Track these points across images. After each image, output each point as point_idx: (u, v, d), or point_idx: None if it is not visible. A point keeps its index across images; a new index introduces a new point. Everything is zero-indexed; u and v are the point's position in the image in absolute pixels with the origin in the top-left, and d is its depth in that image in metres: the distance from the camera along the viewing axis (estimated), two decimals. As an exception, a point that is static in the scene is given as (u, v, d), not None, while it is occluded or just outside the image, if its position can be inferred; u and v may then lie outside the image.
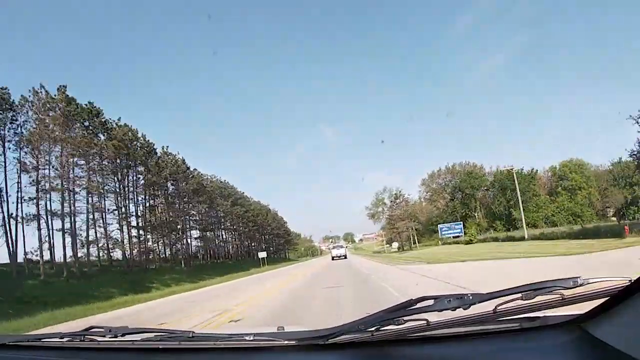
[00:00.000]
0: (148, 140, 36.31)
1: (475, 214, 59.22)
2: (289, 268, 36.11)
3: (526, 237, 32.90)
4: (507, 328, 1.12)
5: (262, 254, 42.88)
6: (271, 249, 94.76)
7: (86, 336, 1.52)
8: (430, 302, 1.13)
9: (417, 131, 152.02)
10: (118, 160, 32.65)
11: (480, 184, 58.47)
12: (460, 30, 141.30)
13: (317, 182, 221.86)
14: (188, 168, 42.17)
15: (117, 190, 32.02)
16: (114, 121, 33.89)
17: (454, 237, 53.96)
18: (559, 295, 1.05)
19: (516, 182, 38.59)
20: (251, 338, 1.31)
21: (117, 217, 32.74)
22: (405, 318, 1.14)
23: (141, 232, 35.74)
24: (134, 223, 35.37)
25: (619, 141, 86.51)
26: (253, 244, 75.43)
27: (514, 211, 55.85)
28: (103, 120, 32.36)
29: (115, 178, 33.64)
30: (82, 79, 77.19)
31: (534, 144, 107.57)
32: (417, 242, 59.10)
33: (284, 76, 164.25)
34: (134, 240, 33.80)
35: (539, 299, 1.05)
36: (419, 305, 1.14)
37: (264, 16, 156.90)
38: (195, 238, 45.94)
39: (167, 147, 39.29)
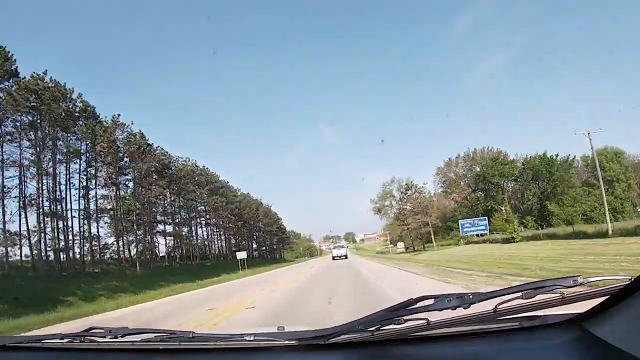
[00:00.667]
0: (87, 103, 26.97)
1: (502, 208, 49.84)
2: (276, 273, 27.16)
3: (610, 232, 23.32)
4: (507, 327, 1.13)
5: (242, 255, 33.94)
6: (263, 248, 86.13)
7: (86, 337, 1.52)
8: (431, 301, 1.13)
9: (417, 131, 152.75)
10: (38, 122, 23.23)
11: (511, 172, 48.92)
12: (460, 30, 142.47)
13: (317, 182, 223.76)
14: (148, 144, 32.78)
15: (32, 163, 22.57)
16: (38, 75, 24.46)
17: (477, 235, 44.71)
18: (559, 294, 1.06)
19: (596, 167, 29.06)
20: (251, 338, 1.32)
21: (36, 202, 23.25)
22: (405, 317, 1.15)
23: (75, 223, 26.38)
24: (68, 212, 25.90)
25: (619, 141, 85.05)
26: (242, 243, 66.15)
27: (550, 204, 46.55)
28: (14, 68, 22.96)
29: (37, 149, 24.23)
30: (82, 79, 77.41)
31: (534, 144, 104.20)
32: (432, 240, 49.54)
33: (284, 76, 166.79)
34: (58, 234, 24.25)
35: (539, 298, 1.06)
36: (419, 304, 1.15)
37: (264, 16, 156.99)
38: (159, 233, 36.53)
39: (119, 115, 30.00)
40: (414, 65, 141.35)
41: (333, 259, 40.34)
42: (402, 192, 53.39)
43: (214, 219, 51.32)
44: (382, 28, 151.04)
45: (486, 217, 46.54)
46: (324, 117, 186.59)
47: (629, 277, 0.95)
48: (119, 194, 30.85)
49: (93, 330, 1.55)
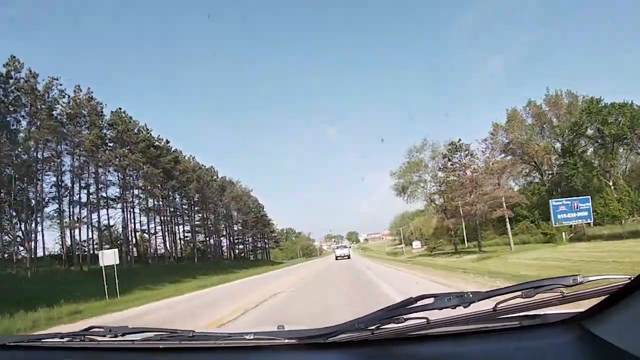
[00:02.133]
0: None
1: (611, 183, 30.88)
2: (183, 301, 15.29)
3: None
4: (507, 326, 1.23)
5: (108, 257, 15.49)
6: (241, 246, 67.83)
7: (86, 336, 1.64)
8: (431, 300, 1.23)
9: (417, 131, 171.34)
10: None
11: (634, 122, 29.86)
12: (461, 30, 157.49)
13: (317, 182, 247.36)
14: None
15: None
16: None
17: (574, 224, 26.60)
18: (559, 293, 1.14)
19: None
20: (251, 337, 1.42)
21: None
22: (405, 316, 1.24)
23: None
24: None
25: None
26: (207, 239, 47.46)
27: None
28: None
29: None
30: (82, 79, 65.75)
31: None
32: (508, 234, 30.60)
33: (284, 76, 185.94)
34: None
35: (539, 297, 1.15)
36: (419, 303, 1.25)
37: (264, 16, 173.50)
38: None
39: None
40: (414, 64, 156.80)
41: (336, 258, 48.31)
42: (444, 156, 34.16)
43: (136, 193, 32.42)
44: (382, 28, 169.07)
45: (589, 197, 27.59)
46: (325, 116, 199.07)
47: (629, 277, 1.01)
48: None
49: (93, 329, 1.66)
